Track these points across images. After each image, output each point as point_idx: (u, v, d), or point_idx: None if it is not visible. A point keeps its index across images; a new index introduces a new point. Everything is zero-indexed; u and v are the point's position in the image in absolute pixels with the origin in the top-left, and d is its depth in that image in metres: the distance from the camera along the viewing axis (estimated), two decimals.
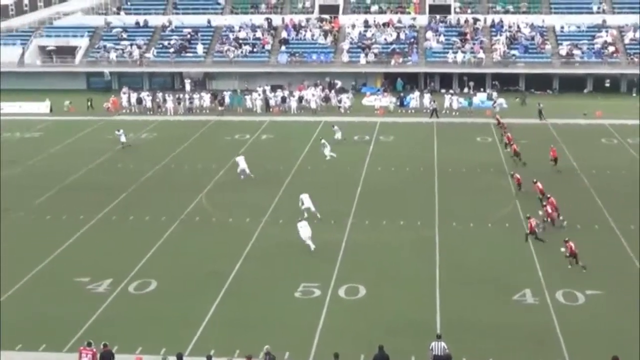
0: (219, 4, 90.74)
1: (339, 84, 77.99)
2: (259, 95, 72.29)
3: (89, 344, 25.95)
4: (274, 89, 74.87)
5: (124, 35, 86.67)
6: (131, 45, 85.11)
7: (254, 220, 41.17)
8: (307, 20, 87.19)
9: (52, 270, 35.62)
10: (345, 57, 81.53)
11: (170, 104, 71.06)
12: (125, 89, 74.73)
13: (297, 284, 32.98)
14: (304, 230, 36.83)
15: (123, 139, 57.59)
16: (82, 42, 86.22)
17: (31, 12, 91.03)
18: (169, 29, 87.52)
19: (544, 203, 39.98)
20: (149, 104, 72.03)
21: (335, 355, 25.13)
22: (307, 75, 79.63)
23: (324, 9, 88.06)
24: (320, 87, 75.85)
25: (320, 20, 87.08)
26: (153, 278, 34.11)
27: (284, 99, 71.89)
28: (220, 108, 70.73)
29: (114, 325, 29.62)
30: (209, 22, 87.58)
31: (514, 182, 45.04)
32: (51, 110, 72.41)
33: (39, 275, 35.02)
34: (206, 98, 72.72)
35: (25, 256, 37.00)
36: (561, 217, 39.17)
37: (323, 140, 54.15)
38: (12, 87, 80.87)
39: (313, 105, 70.60)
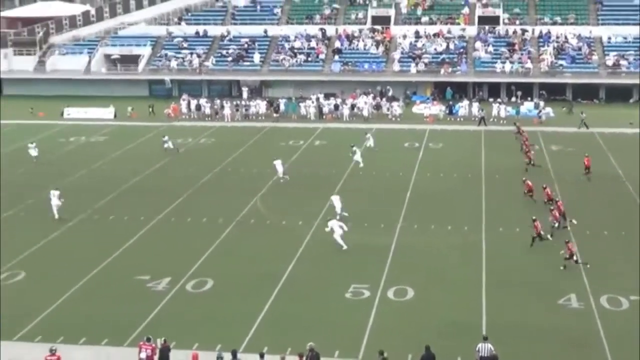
0: (275, 14, 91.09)
1: (390, 92, 77.72)
2: (313, 102, 72.38)
3: (148, 340, 26.09)
4: (327, 96, 74.93)
5: (185, 45, 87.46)
6: (191, 54, 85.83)
7: (306, 223, 41.15)
8: (360, 30, 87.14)
9: (114, 268, 35.91)
10: (396, 67, 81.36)
11: (227, 111, 71.23)
12: (185, 96, 75.18)
13: (347, 285, 32.82)
14: (336, 229, 37.06)
15: (169, 145, 57.81)
16: (145, 51, 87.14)
17: (97, 23, 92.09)
18: (227, 38, 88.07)
19: (552, 207, 39.78)
20: (207, 111, 72.34)
21: (380, 352, 25.02)
22: (359, 83, 79.58)
23: (376, 20, 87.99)
24: (372, 95, 75.74)
25: (373, 30, 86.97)
26: (209, 277, 34.22)
27: (336, 107, 71.88)
28: (275, 115, 70.89)
29: (172, 322, 29.72)
30: (265, 32, 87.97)
31: (523, 188, 44.50)
32: (115, 115, 73.12)
33: (101, 273, 35.33)
34: (262, 105, 72.91)
35: (89, 255, 37.32)
36: (572, 220, 39.11)
37: (355, 148, 53.95)
38: (78, 94, 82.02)
39: (365, 113, 70.49)
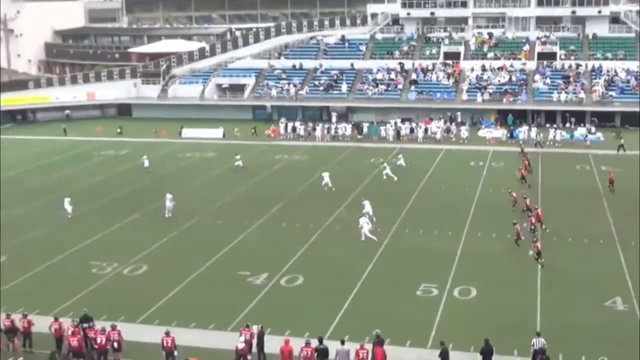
0: (360, 50, 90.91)
1: (458, 118, 76.78)
2: (392, 126, 71.93)
3: (247, 326, 26.30)
4: (403, 121, 74.19)
5: (283, 76, 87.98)
6: (289, 83, 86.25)
7: (384, 230, 40.80)
8: (433, 64, 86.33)
9: (220, 264, 36.27)
10: (464, 96, 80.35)
11: (318, 132, 70.91)
12: (283, 119, 75.06)
13: (418, 284, 32.58)
14: (364, 226, 38.30)
15: (239, 163, 56.73)
16: (250, 81, 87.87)
17: (211, 57, 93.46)
18: (319, 71, 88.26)
19: (530, 215, 39.97)
20: (301, 132, 71.99)
21: (441, 342, 24.83)
22: (432, 110, 78.56)
23: (447, 55, 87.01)
24: (443, 120, 74.87)
25: (444, 64, 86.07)
26: (300, 274, 34.35)
27: (412, 130, 71.31)
28: (359, 136, 70.59)
29: (268, 311, 29.80)
30: (352, 65, 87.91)
31: (510, 199, 44.39)
32: (224, 135, 73.11)
33: (210, 268, 35.67)
34: (348, 128, 72.14)
35: (200, 252, 37.74)
36: (544, 227, 39.21)
37: (384, 164, 53.91)
38: (194, 117, 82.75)
39: (438, 136, 69.70)
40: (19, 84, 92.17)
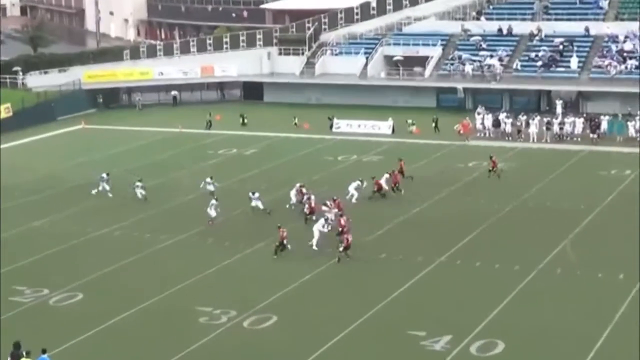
0: (600, 8, 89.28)
1: None
2: None
3: None
4: None
5: (483, 45, 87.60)
6: (491, 56, 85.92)
7: (629, 278, 40.00)
8: None
9: (384, 317, 36.68)
10: None
11: (533, 129, 70.62)
12: (480, 109, 74.82)
13: None
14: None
15: (211, 187, 54.41)
16: (434, 52, 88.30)
17: (378, 17, 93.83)
18: (537, 38, 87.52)
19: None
20: (508, 128, 71.98)
21: None
22: None
23: None
24: None
25: None
26: (500, 339, 34.15)
27: None
28: (593, 135, 69.33)
29: None
30: (586, 30, 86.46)
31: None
32: (393, 130, 74.32)
33: (367, 323, 36.10)
34: (578, 123, 71.03)
35: (352, 300, 38.59)
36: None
37: None
38: (351, 103, 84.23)
39: None
40: (110, 53, 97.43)
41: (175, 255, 45.27)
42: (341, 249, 42.66)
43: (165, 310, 37.80)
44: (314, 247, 44.41)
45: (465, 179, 58.68)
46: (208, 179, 54.68)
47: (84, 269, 42.77)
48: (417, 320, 36.06)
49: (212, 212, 48.93)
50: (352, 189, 53.00)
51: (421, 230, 48.03)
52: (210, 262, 43.71)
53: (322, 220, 45.73)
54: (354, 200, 52.42)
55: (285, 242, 43.77)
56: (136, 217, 51.61)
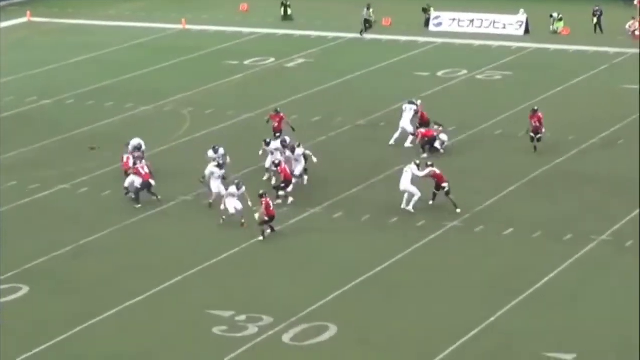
0: None
1: None
2: None
3: None
4: None
5: None
6: None
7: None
8: None
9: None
10: None
11: None
12: None
13: None
14: None
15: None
16: None
17: None
18: None
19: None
20: None
21: None
22: None
23: None
24: None
25: None
26: None
27: None
28: None
29: None
30: None
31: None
32: (527, 30, 69.39)
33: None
34: None
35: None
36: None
37: None
38: None
39: None
40: None
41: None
42: None
43: (160, 312, 34.79)
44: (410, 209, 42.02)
45: None
46: (211, 152, 45.34)
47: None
48: None
49: (231, 206, 41.58)
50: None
51: None
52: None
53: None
54: (441, 150, 49.52)
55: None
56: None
